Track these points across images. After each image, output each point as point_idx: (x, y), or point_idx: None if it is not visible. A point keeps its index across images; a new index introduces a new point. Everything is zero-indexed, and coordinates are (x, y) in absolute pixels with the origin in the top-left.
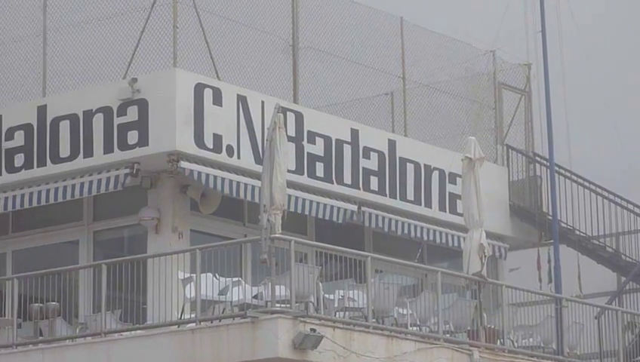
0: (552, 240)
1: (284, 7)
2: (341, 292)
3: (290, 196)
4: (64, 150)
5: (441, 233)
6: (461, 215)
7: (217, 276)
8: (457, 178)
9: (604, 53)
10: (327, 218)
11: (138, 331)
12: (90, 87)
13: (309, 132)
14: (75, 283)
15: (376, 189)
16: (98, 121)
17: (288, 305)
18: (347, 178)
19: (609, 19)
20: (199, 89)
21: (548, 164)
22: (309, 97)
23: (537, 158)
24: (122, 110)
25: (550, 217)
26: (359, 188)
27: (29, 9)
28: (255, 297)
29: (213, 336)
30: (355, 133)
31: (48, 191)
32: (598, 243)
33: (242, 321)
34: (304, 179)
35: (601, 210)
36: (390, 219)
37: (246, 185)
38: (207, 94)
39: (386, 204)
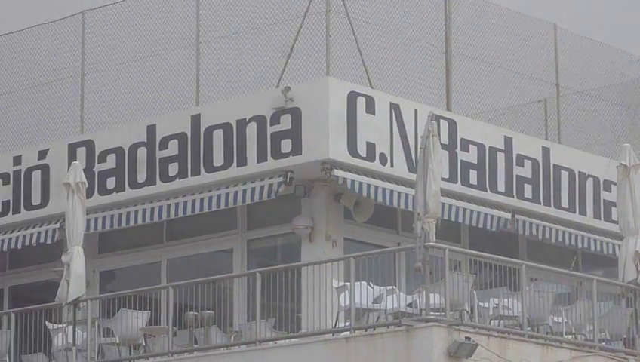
0: None
1: (437, 14)
2: (495, 300)
3: (443, 204)
4: (218, 159)
5: (595, 240)
6: (616, 222)
7: (371, 284)
8: (612, 185)
9: None
10: (480, 226)
11: (292, 339)
12: (244, 96)
13: (462, 140)
14: (230, 291)
15: (530, 197)
16: (251, 129)
17: (443, 314)
18: (501, 186)
19: None
20: (352, 97)
21: None
22: (462, 105)
23: None
24: (275, 119)
25: None
26: (513, 196)
27: (182, 19)
28: (409, 305)
29: (368, 345)
30: (508, 141)
31: (202, 200)
32: None
33: (397, 329)
34: (458, 187)
35: None
36: (544, 227)
37: (399, 193)
38: (360, 102)
39: (540, 211)
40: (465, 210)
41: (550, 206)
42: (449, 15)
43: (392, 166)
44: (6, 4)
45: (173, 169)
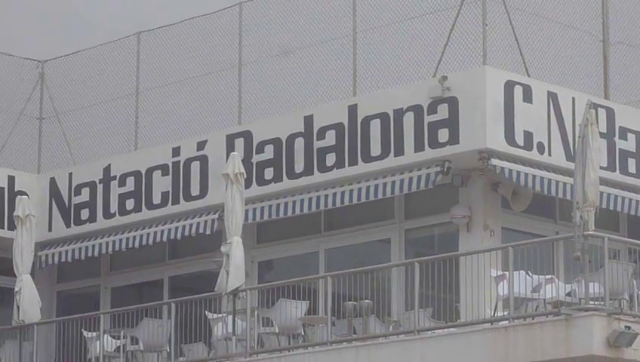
0: None
1: (594, 2)
2: None
3: (602, 193)
4: (375, 149)
5: None
6: None
7: (530, 273)
8: None
9: None
10: (639, 214)
11: (451, 329)
12: (401, 86)
13: (620, 128)
14: (388, 281)
15: None
16: (408, 119)
17: (602, 303)
18: None
19: None
20: (509, 86)
21: None
22: (620, 93)
23: None
24: (432, 108)
25: None
26: None
27: (338, 10)
28: (568, 294)
29: (527, 334)
30: None
31: (360, 189)
32: None
33: (556, 319)
34: (616, 176)
35: None
36: None
37: (557, 182)
38: (517, 91)
39: None
40: (623, 198)
41: None
42: (606, 2)
43: (549, 155)
44: None
45: (330, 159)
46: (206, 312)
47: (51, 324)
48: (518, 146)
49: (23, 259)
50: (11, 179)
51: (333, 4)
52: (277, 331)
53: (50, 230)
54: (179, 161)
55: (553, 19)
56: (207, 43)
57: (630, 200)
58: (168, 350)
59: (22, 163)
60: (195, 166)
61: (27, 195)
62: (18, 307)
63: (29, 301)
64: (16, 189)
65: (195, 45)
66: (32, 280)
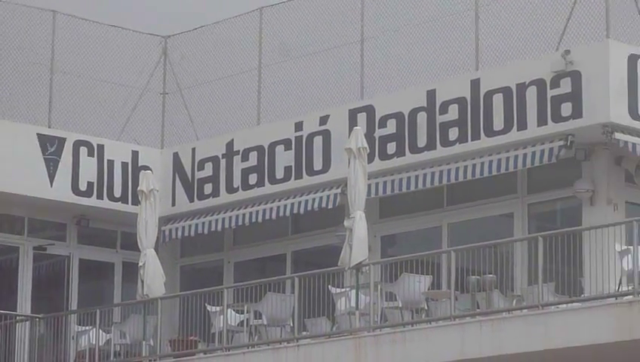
0: None
1: None
2: None
3: None
4: (498, 123)
5: None
6: None
7: None
8: None
9: None
10: None
11: (575, 304)
12: (523, 60)
13: None
14: (511, 255)
15: None
16: (531, 93)
17: None
18: None
19: None
20: (633, 60)
21: None
22: None
23: None
24: (555, 82)
25: None
26: None
27: None
28: None
29: None
30: None
31: (482, 164)
32: None
33: None
34: None
35: None
36: None
37: None
38: None
39: None
40: None
41: None
42: None
43: None
44: None
45: (453, 133)
46: (329, 287)
47: (175, 299)
48: None
49: (147, 234)
50: (135, 154)
51: None
52: (400, 306)
53: (173, 205)
54: (301, 136)
55: None
56: (329, 18)
57: None
58: (292, 324)
59: (146, 138)
60: (318, 140)
61: (151, 170)
62: (142, 281)
63: (153, 275)
64: (140, 164)
65: (317, 20)
66: (155, 254)
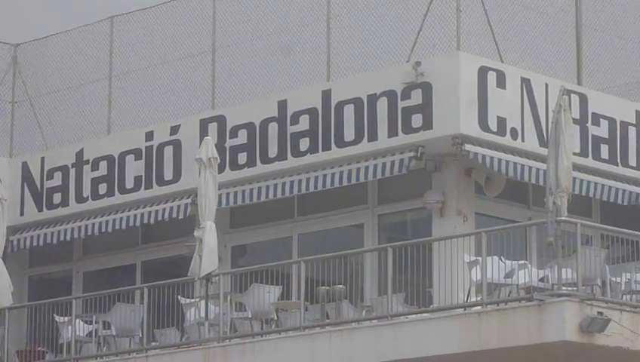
0: None
1: None
2: (628, 274)
3: (575, 179)
4: (348, 134)
5: None
6: None
7: (503, 259)
8: None
9: None
10: (612, 200)
11: (424, 314)
12: (374, 72)
13: (593, 114)
14: (361, 266)
15: None
16: (382, 104)
17: (574, 288)
18: (632, 160)
19: None
20: (483, 72)
21: None
22: (593, 79)
23: None
24: (406, 94)
25: None
26: None
27: None
28: (541, 280)
29: (500, 320)
30: None
31: (333, 175)
32: None
33: (529, 304)
34: (589, 162)
35: None
36: None
37: (530, 168)
38: (491, 77)
39: None
40: (596, 184)
41: None
42: None
43: (522, 140)
44: None
45: (304, 144)
46: (179, 297)
47: (23, 309)
48: (491, 132)
49: None
50: None
51: None
52: (250, 316)
53: (22, 214)
54: (152, 146)
55: (527, 5)
56: (181, 28)
57: (603, 186)
58: (140, 335)
59: None
60: (169, 150)
61: None
62: None
63: (1, 285)
64: None
65: (169, 30)
66: (3, 264)
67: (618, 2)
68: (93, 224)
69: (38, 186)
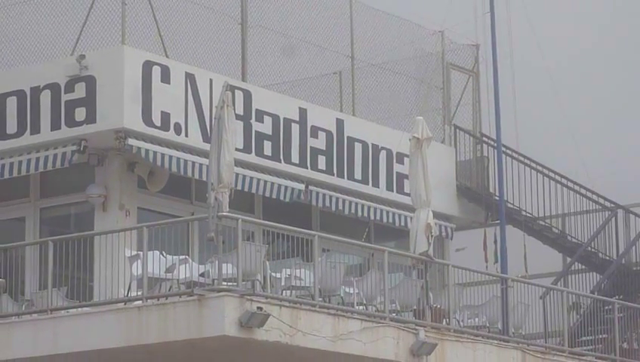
0: (498, 221)
1: None
2: (288, 270)
3: (237, 174)
4: (11, 126)
5: (388, 212)
6: (408, 195)
7: (164, 254)
8: (405, 158)
9: (554, 38)
10: (274, 196)
11: (85, 308)
12: (38, 64)
13: (257, 110)
14: (22, 259)
15: (324, 168)
16: (45, 97)
17: (235, 284)
18: (295, 157)
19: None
20: (147, 66)
21: (495, 144)
22: (258, 76)
23: (485, 139)
24: (70, 87)
25: (497, 198)
26: (307, 167)
27: None
28: (202, 275)
29: (160, 314)
30: (303, 112)
31: None
32: (544, 224)
33: (189, 299)
34: (252, 158)
35: (547, 191)
36: (337, 198)
37: (194, 163)
38: (156, 72)
39: (334, 183)
40: (259, 180)
41: (344, 177)
42: None
43: (186, 136)
44: None
45: None
46: None
47: None
48: (155, 127)
49: None
50: None
51: None
52: None
53: None
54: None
55: (193, 1)
56: None
57: (265, 182)
58: None
59: None
60: None
61: None
62: None
63: None
64: None
65: None
66: None
67: (283, 1)
68: None
69: None
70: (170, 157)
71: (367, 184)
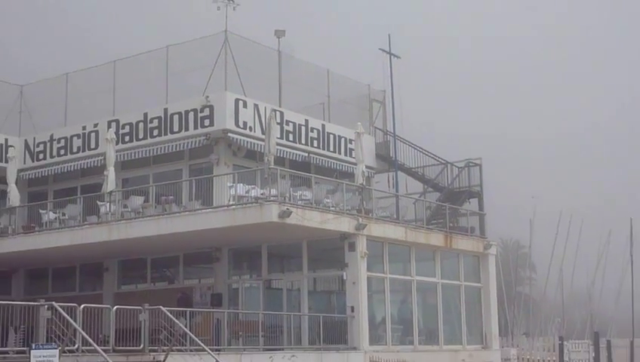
0: (394, 170)
1: None
2: (299, 192)
3: (277, 148)
4: (176, 127)
5: (346, 165)
6: (354, 158)
7: (244, 184)
8: (352, 141)
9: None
10: (293, 159)
11: (208, 209)
12: (187, 99)
13: (286, 121)
14: None
15: (318, 146)
16: (191, 114)
17: (276, 197)
18: (304, 141)
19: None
20: (235, 100)
21: (393, 135)
22: (288, 101)
23: (389, 132)
24: (202, 110)
25: (394, 159)
26: (309, 146)
27: None
28: (262, 194)
29: (243, 211)
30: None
31: None
32: (416, 171)
33: (255, 204)
34: (282, 141)
35: (414, 156)
36: (323, 159)
37: (258, 144)
38: (239, 102)
39: (324, 153)
40: (286, 151)
41: (328, 150)
42: None
43: (254, 132)
44: None
45: None
46: None
47: None
48: (240, 127)
49: None
50: None
51: None
52: None
53: None
54: None
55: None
56: None
57: (289, 151)
58: None
59: None
60: None
61: None
62: None
63: None
64: None
65: None
66: None
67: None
68: None
69: None
70: (247, 141)
71: (339, 153)
